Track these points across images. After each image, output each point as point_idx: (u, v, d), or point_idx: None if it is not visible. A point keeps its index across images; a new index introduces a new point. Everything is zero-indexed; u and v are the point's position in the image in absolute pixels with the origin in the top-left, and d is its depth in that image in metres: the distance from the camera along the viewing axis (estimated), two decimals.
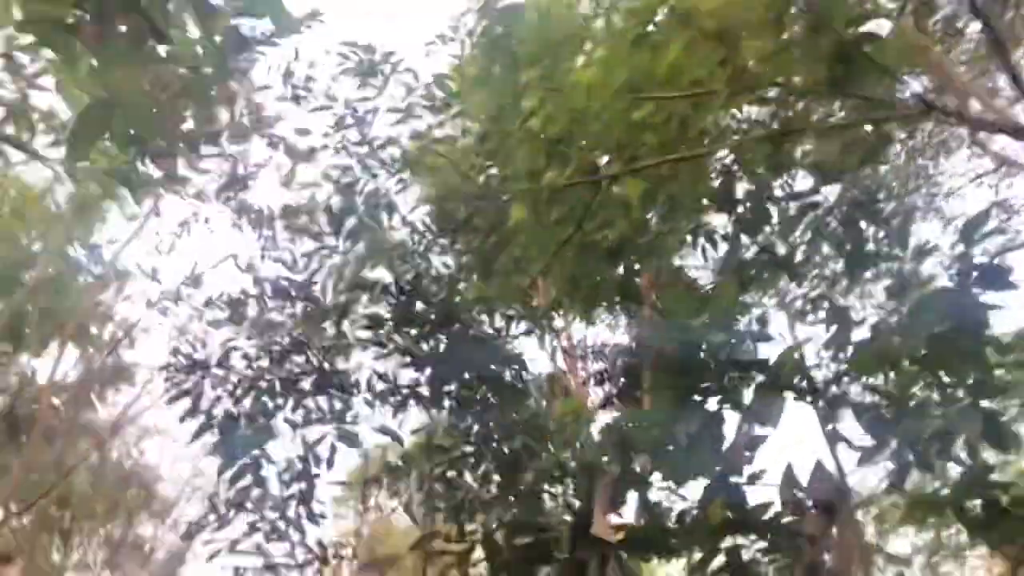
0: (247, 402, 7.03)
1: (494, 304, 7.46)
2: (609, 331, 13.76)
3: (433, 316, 6.79)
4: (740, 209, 7.91)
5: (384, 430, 6.95)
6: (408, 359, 6.85)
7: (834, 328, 7.79)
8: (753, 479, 6.94)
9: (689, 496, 7.56)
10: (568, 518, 6.94)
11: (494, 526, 7.23)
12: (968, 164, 13.03)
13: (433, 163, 7.81)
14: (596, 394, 13.20)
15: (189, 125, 10.07)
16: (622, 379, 12.41)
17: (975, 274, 6.98)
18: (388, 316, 6.68)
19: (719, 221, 8.64)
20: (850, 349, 7.32)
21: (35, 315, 11.75)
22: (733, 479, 7.17)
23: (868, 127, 7.93)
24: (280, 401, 7.02)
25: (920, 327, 6.94)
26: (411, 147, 7.72)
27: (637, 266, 9.34)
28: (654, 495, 7.77)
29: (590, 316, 13.21)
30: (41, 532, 13.58)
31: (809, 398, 6.82)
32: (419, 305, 6.82)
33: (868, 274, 9.73)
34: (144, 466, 15.79)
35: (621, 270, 9.16)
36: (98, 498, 13.97)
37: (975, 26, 12.47)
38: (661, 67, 7.77)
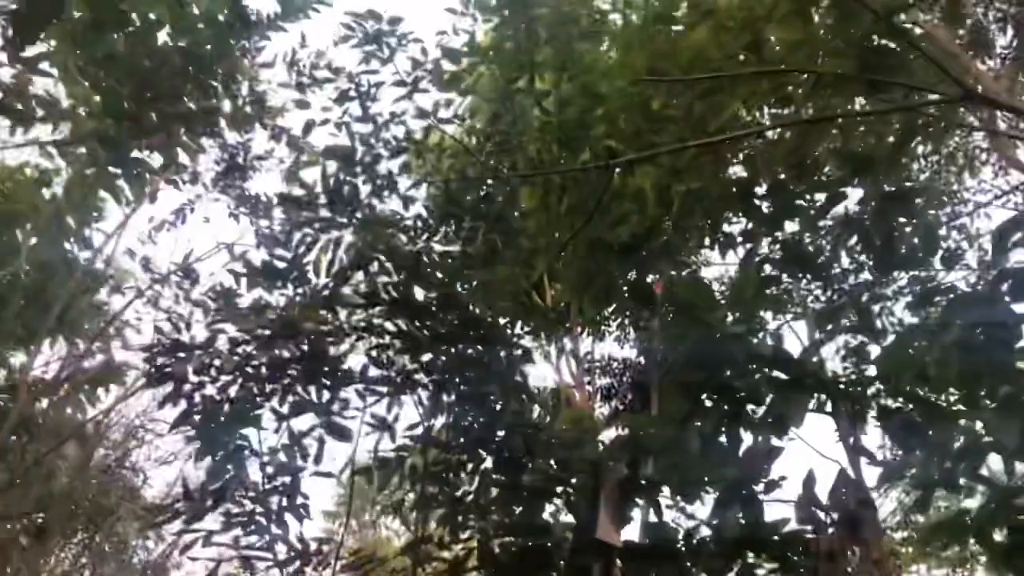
0: (232, 389, 6.58)
1: (497, 298, 7.04)
2: (617, 345, 13.40)
3: (434, 301, 6.36)
4: (761, 205, 7.52)
5: (378, 421, 6.49)
6: (404, 344, 6.41)
7: (858, 337, 7.40)
8: (771, 487, 6.48)
9: (700, 516, 7.15)
10: (571, 522, 6.48)
11: (491, 531, 6.77)
12: (995, 181, 12.69)
13: (439, 143, 7.47)
14: (603, 410, 12.80)
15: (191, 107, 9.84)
16: (629, 394, 11.96)
17: (1007, 283, 6.58)
18: (385, 297, 6.25)
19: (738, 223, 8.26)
20: (874, 356, 6.92)
21: (21, 306, 11.35)
22: (748, 490, 6.74)
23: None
24: (267, 388, 6.56)
25: (948, 334, 6.52)
26: (417, 126, 7.37)
27: (651, 274, 8.97)
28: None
29: (598, 327, 12.84)
30: (14, 533, 13.07)
31: (832, 400, 6.38)
32: (418, 289, 6.39)
33: (889, 291, 9.31)
34: (129, 467, 15.31)
35: (634, 271, 8.78)
36: (78, 499, 13.48)
37: (1003, 40, 12.22)
38: (683, 53, 7.44)
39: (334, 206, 6.42)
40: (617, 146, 7.42)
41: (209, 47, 8.51)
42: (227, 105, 10.64)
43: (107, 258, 12.74)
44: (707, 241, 8.24)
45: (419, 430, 6.63)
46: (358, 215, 6.51)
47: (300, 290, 6.59)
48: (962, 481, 6.78)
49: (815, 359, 7.47)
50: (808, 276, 7.77)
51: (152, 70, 8.36)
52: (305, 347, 6.56)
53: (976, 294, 7.49)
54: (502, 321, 8.10)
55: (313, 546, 6.22)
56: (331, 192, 6.46)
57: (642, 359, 11.83)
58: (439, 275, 6.50)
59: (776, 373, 6.15)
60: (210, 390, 6.53)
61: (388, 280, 6.35)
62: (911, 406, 6.39)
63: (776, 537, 6.65)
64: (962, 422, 6.53)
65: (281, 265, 6.52)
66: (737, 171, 8.10)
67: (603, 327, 13.08)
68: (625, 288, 8.82)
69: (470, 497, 6.78)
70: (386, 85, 7.30)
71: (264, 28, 9.40)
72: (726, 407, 6.46)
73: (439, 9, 7.53)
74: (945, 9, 10.26)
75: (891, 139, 7.32)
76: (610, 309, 12.04)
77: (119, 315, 12.64)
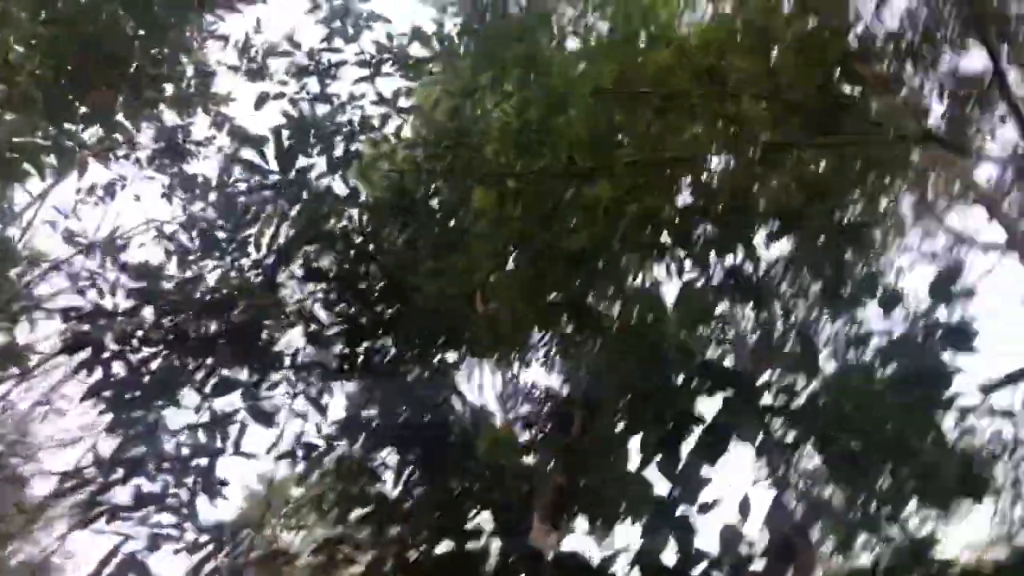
0: (155, 362, 6.19)
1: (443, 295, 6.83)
2: (543, 372, 13.22)
3: (378, 286, 6.10)
4: (712, 227, 7.50)
5: (312, 401, 6.15)
6: (343, 329, 6.13)
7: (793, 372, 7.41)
8: (705, 509, 6.35)
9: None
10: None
11: (412, 538, 6.47)
12: (921, 244, 13.05)
13: (396, 132, 7.26)
14: (522, 437, 12.61)
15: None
16: (550, 424, 11.77)
17: (939, 332, 6.67)
18: (330, 274, 5.97)
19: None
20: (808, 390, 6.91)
21: None
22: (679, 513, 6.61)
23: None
24: (191, 364, 6.19)
25: (884, 374, 6.62)
26: (374, 112, 7.14)
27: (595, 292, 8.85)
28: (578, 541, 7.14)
29: (524, 354, 12.63)
30: None
31: (765, 427, 6.30)
32: (365, 269, 6.13)
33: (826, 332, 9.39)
34: (21, 454, 14.34)
35: (578, 288, 8.66)
36: None
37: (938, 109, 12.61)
38: (648, 69, 7.45)
39: (284, 174, 6.14)
40: (577, 156, 7.34)
41: (162, 13, 8.17)
42: (169, 88, 10.25)
43: (26, 225, 12.08)
44: (654, 263, 8.17)
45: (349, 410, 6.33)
46: (308, 190, 6.25)
47: (237, 264, 6.26)
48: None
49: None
50: (750, 305, 7.74)
51: (99, 33, 7.98)
52: (236, 323, 6.23)
53: (911, 340, 7.60)
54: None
55: (228, 534, 5.84)
56: (282, 159, 6.18)
57: (566, 389, 11.71)
58: (387, 261, 6.24)
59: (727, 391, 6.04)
60: (130, 360, 6.14)
61: (334, 259, 6.08)
62: (852, 440, 6.36)
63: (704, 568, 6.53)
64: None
65: (221, 235, 6.19)
66: (691, 198, 8.09)
67: (528, 353, 12.89)
68: (566, 306, 8.66)
69: (393, 497, 6.50)
70: (348, 65, 7.10)
71: (219, 5, 9.10)
72: (670, 425, 6.33)
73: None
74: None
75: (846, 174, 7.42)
76: (538, 335, 11.85)
77: (30, 287, 11.92)
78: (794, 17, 8.07)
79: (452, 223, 7.08)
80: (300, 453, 6.18)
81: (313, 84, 7.03)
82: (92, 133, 10.22)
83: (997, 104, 11.57)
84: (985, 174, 11.64)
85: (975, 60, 11.48)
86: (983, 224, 12.44)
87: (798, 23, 7.98)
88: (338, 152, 6.64)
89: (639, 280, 9.09)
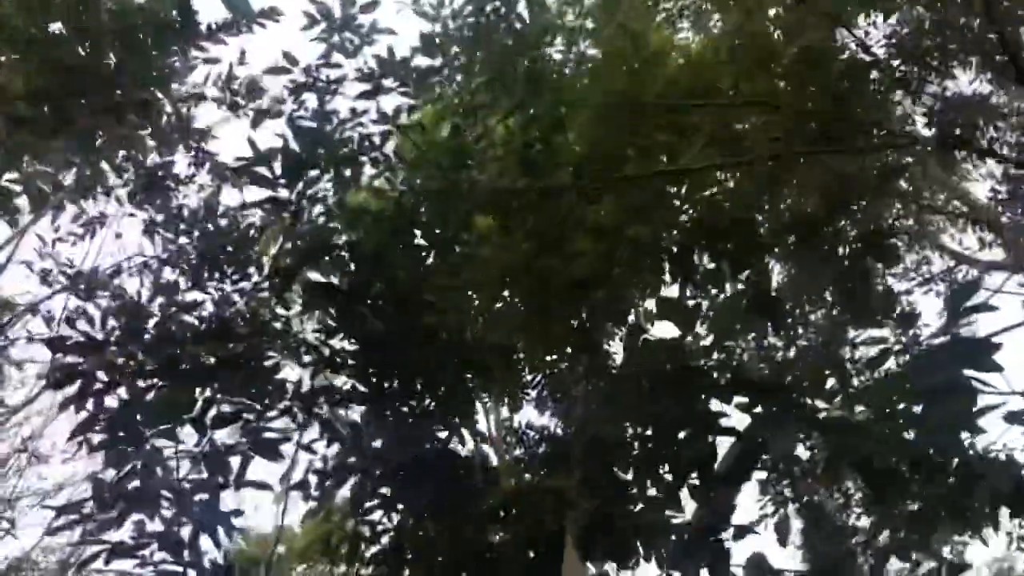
0: (150, 394, 5.77)
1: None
2: (536, 412, 12.89)
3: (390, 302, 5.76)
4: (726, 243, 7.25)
5: (324, 426, 5.73)
6: (354, 350, 5.76)
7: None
8: (741, 534, 5.99)
9: None
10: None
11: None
12: (918, 270, 12.89)
13: (396, 151, 6.97)
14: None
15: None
16: (547, 465, 11.43)
17: (960, 349, 6.44)
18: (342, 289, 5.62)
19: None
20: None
21: None
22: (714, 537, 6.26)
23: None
24: (187, 394, 5.77)
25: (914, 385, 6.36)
26: (375, 130, 6.84)
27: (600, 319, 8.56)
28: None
29: (516, 395, 12.27)
30: None
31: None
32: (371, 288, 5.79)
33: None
34: None
35: (582, 315, 8.38)
36: None
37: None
38: (659, 80, 7.31)
39: (290, 189, 5.82)
40: (581, 173, 7.12)
41: (150, 41, 7.88)
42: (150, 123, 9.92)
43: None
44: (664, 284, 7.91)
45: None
46: (310, 207, 5.93)
47: (239, 286, 5.90)
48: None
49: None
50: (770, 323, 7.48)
51: (83, 60, 7.67)
52: (236, 350, 5.84)
53: (931, 357, 7.39)
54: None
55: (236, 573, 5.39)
56: (287, 174, 5.85)
57: (560, 429, 11.39)
58: (394, 278, 5.91)
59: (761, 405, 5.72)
60: (123, 393, 5.71)
61: (341, 278, 5.74)
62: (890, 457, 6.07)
63: None
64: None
65: (222, 256, 5.83)
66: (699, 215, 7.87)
67: (522, 394, 12.57)
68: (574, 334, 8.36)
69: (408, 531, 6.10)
70: (348, 81, 6.81)
71: (205, 38, 8.82)
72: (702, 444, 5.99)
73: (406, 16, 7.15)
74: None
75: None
76: (530, 375, 11.51)
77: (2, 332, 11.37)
78: (786, 40, 8.02)
79: (454, 247, 6.78)
80: (313, 482, 5.76)
81: (312, 102, 6.75)
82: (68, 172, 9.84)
83: (987, 128, 11.63)
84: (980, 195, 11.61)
85: (963, 86, 11.58)
86: (976, 244, 12.31)
87: (788, 47, 7.92)
88: (339, 169, 6.33)
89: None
